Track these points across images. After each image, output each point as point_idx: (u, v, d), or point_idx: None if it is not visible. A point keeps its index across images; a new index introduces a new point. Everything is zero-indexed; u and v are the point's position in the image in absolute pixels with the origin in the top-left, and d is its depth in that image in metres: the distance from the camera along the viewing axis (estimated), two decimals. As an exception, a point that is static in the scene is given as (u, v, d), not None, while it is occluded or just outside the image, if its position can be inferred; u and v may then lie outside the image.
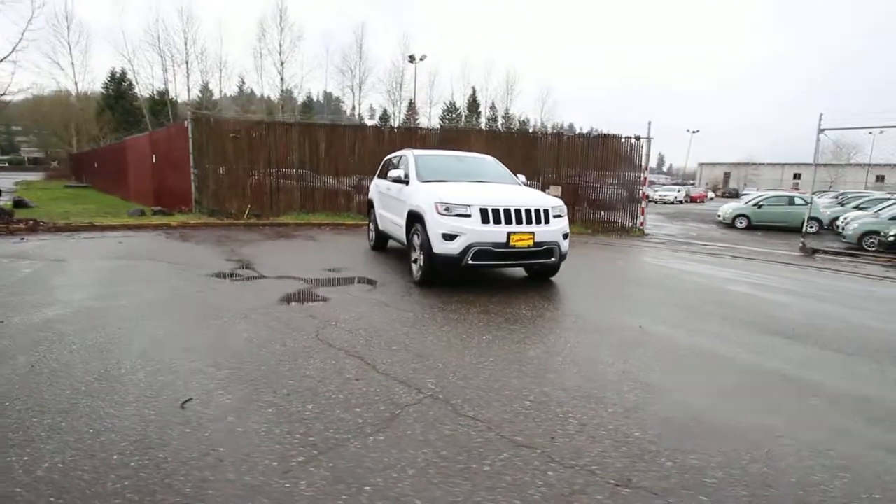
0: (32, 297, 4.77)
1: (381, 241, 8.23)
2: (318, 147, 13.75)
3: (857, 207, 17.45)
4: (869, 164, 43.67)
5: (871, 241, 12.83)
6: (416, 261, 5.93)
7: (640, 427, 2.56)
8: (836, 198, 23.26)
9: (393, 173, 6.68)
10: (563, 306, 5.10)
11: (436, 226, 5.33)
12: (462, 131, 14.56)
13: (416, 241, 5.83)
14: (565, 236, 5.74)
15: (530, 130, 13.85)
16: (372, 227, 8.49)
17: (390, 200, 7.11)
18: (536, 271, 6.31)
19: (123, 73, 42.02)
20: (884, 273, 8.64)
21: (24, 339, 3.56)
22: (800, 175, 55.05)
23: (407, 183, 6.45)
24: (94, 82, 44.76)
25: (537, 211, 5.50)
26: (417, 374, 3.13)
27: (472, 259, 5.24)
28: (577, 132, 12.73)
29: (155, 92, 41.74)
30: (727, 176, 62.00)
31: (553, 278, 6.32)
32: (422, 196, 5.84)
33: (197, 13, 56.44)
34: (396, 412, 2.62)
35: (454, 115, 56.42)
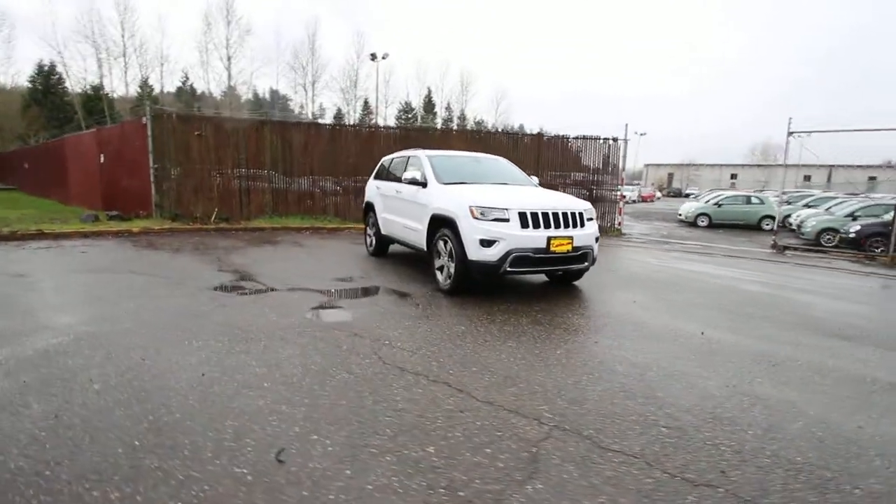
0: (8, 322, 4.00)
1: (382, 247, 7.76)
2: (291, 146, 12.97)
3: (806, 206, 18.66)
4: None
5: (829, 237, 13.70)
6: (441, 268, 5.56)
7: (798, 451, 2.36)
8: (779, 196, 24.84)
9: (408, 174, 6.26)
10: (610, 312, 4.90)
11: (472, 231, 4.99)
12: (445, 132, 14.24)
13: (443, 247, 5.47)
14: (596, 240, 5.57)
15: (509, 131, 13.69)
16: (371, 231, 8.00)
17: (400, 203, 6.68)
18: (559, 276, 6.11)
19: (53, 66, 38.18)
20: (860, 268, 9.15)
21: (28, 379, 2.91)
22: (736, 175, 58.85)
23: (424, 185, 6.06)
24: (18, 75, 40.56)
25: (573, 214, 5.29)
26: (522, 401, 2.79)
27: (510, 266, 4.95)
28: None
29: (88, 87, 38.27)
30: (671, 176, 65.28)
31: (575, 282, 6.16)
32: (448, 199, 5.48)
33: (135, 4, 52.29)
34: (533, 450, 2.28)
35: (410, 116, 55.91)
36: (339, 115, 54.35)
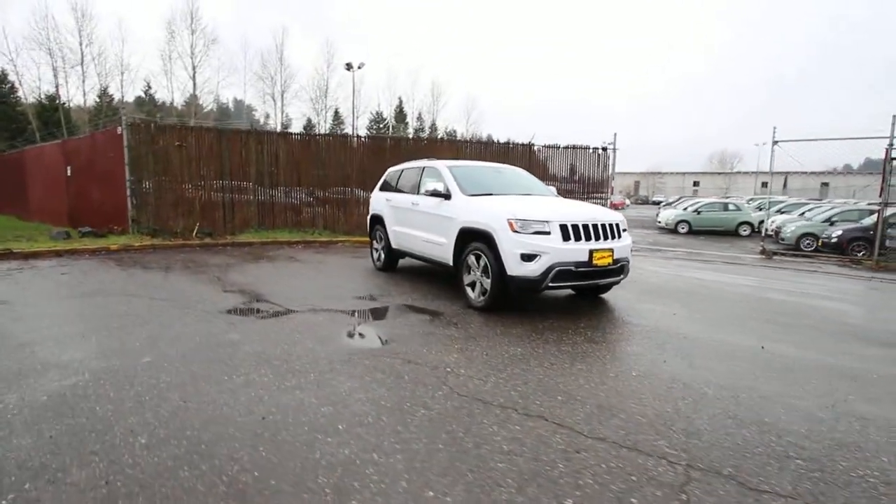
0: (3, 360, 3.47)
1: (392, 261, 7.42)
2: (277, 157, 12.45)
3: (779, 212, 19.35)
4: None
5: (808, 241, 14.18)
6: (472, 284, 5.28)
7: (952, 481, 2.20)
8: (748, 202, 25.79)
9: (428, 186, 5.96)
10: (657, 327, 4.71)
11: (512, 245, 4.74)
12: (432, 140, 14.06)
13: (474, 261, 5.19)
14: (630, 251, 5.43)
15: (504, 141, 13.63)
16: (379, 245, 7.64)
17: (418, 216, 6.37)
18: (591, 289, 5.91)
19: (4, 75, 35.82)
20: (853, 272, 9.41)
21: (54, 433, 2.45)
22: (698, 182, 61.06)
23: (447, 197, 5.78)
24: (-33, 83, 37.73)
25: (611, 226, 5.12)
26: (634, 435, 2.54)
27: (552, 280, 4.72)
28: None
29: (43, 96, 36.08)
30: (637, 184, 67.15)
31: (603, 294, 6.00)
32: (481, 212, 5.22)
33: (94, 11, 49.69)
34: (683, 497, 2.03)
35: (382, 126, 55.49)
36: (308, 126, 53.37)
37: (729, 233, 18.99)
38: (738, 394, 3.11)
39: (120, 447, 2.34)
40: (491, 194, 5.74)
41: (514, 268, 4.73)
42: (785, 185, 53.15)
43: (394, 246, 7.16)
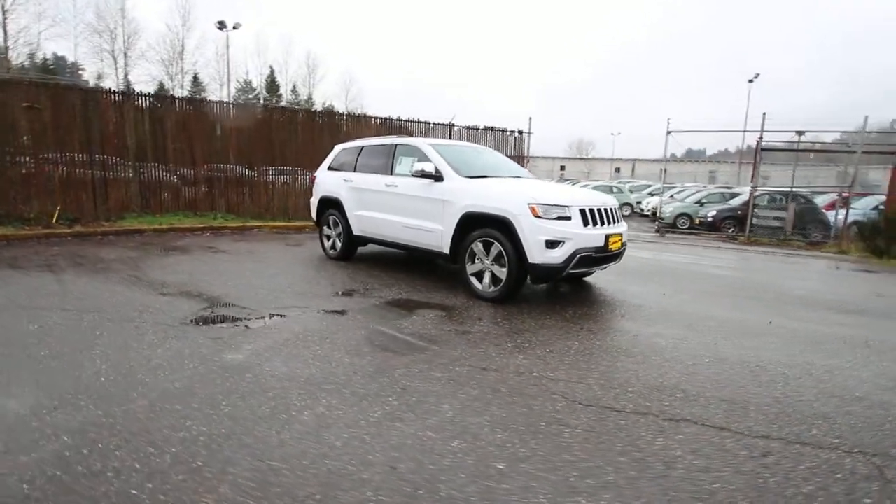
0: None
1: (350, 249, 6.64)
2: (163, 126, 10.39)
3: (650, 194, 21.92)
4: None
5: (683, 220, 16.29)
6: (478, 273, 4.89)
7: None
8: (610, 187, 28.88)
9: (417, 166, 5.34)
10: (667, 311, 4.83)
11: (536, 231, 4.44)
12: (353, 116, 12.90)
13: (482, 249, 4.81)
14: (621, 234, 5.51)
15: (420, 120, 13.17)
16: (333, 231, 6.77)
17: (397, 199, 5.71)
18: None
19: None
20: (743, 247, 10.99)
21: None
22: (564, 167, 67.07)
23: (439, 179, 5.25)
24: None
25: (615, 209, 5.12)
26: (766, 426, 2.45)
27: (573, 267, 4.56)
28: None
29: None
30: (510, 167, 71.28)
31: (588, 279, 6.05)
32: (488, 195, 4.82)
33: None
34: (875, 487, 1.98)
35: (252, 96, 50.47)
36: (161, 91, 46.29)
37: (612, 213, 20.99)
38: (809, 370, 3.26)
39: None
40: (486, 176, 5.36)
41: (537, 255, 4.45)
42: (633, 171, 60.97)
43: (356, 233, 6.38)
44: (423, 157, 5.49)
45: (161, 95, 11.82)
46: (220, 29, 27.06)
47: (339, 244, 6.68)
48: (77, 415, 2.38)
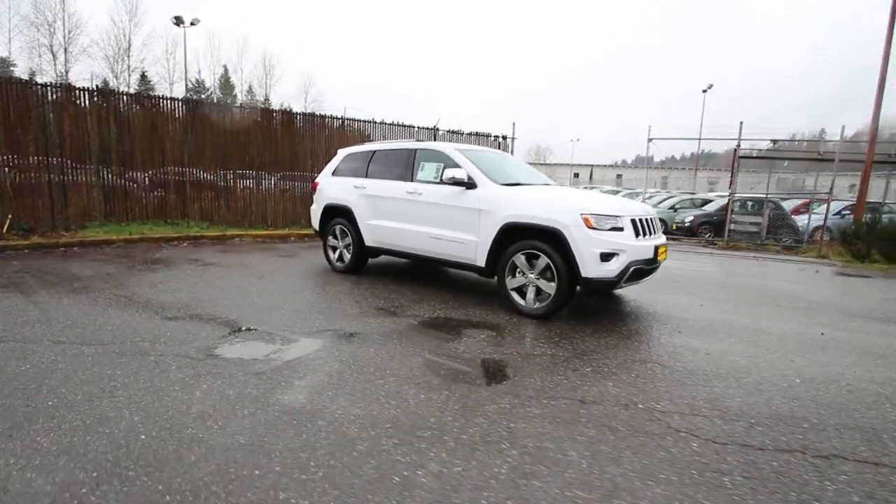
0: None
1: (361, 261, 6.16)
2: (129, 127, 9.47)
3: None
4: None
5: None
6: (520, 288, 4.57)
7: None
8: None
9: (447, 174, 4.95)
10: (713, 321, 4.69)
11: (590, 244, 4.16)
12: (330, 119, 12.23)
13: (525, 262, 4.49)
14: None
15: (404, 124, 12.79)
16: (341, 243, 6.26)
17: (421, 208, 5.29)
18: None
19: None
20: (721, 252, 11.22)
21: None
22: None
23: (472, 186, 4.89)
24: None
25: (656, 219, 4.94)
26: (879, 446, 2.28)
27: (626, 280, 4.32)
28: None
29: None
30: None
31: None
32: (532, 205, 4.51)
33: None
34: None
35: (205, 96, 48.10)
36: (105, 89, 43.24)
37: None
38: (886, 388, 3.14)
39: None
40: (520, 184, 5.06)
41: (592, 269, 4.17)
42: (591, 177, 62.69)
43: (368, 244, 5.91)
44: (452, 164, 5.11)
45: (122, 92, 10.83)
46: (178, 25, 25.48)
47: (347, 256, 6.18)
48: (131, 491, 1.86)
